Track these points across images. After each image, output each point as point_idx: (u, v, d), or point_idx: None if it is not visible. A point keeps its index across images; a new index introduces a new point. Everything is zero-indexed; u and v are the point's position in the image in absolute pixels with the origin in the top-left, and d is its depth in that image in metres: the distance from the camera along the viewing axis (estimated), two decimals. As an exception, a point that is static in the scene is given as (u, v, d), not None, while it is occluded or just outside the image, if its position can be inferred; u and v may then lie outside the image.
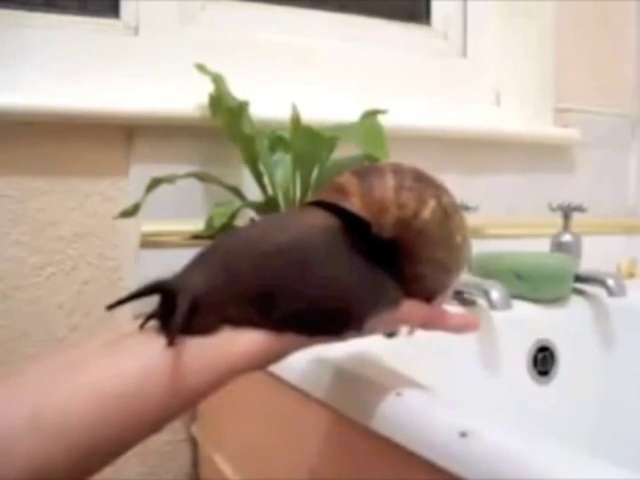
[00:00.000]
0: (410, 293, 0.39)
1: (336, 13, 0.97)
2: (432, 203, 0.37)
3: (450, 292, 0.41)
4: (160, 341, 0.31)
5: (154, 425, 0.32)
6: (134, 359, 0.31)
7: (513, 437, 0.34)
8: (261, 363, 0.34)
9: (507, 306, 0.69)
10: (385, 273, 0.37)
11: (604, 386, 0.77)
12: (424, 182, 0.38)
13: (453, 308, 0.42)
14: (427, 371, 0.45)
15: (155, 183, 0.69)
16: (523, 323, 0.75)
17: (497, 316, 0.72)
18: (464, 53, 1.05)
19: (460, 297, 0.74)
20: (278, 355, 0.35)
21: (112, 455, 0.31)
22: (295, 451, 0.53)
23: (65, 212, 0.75)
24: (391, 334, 0.42)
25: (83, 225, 0.76)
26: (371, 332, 0.39)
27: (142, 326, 0.33)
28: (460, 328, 0.41)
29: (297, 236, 0.35)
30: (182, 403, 0.32)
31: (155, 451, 0.78)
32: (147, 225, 0.77)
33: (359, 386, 0.44)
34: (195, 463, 0.80)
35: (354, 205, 0.37)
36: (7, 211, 0.72)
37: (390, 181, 0.37)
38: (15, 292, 0.73)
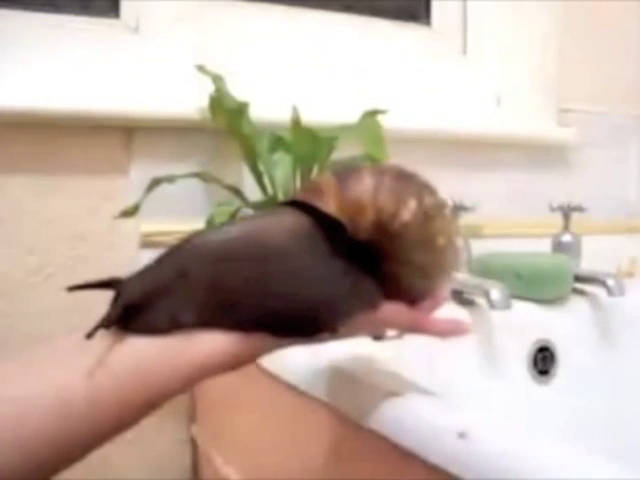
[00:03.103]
0: (392, 296, 0.37)
1: (336, 13, 0.97)
2: (412, 204, 0.36)
3: (441, 297, 0.40)
4: (118, 351, 0.32)
5: (118, 428, 0.32)
6: (91, 364, 0.31)
7: (513, 437, 0.34)
8: (227, 366, 0.34)
9: (507, 306, 0.69)
10: (361, 274, 0.36)
11: (604, 386, 0.77)
12: (405, 182, 0.37)
13: (451, 309, 0.42)
14: (427, 371, 0.45)
15: (155, 183, 0.69)
16: (523, 323, 0.75)
17: (497, 316, 0.72)
18: (464, 53, 1.05)
19: (460, 297, 0.74)
20: (246, 358, 0.34)
21: (74, 457, 0.31)
22: (295, 451, 0.53)
23: (65, 212, 0.75)
24: (378, 337, 0.41)
25: (83, 225, 0.76)
26: (350, 334, 0.38)
27: (97, 328, 0.33)
28: (447, 333, 0.40)
29: (263, 238, 0.34)
30: (140, 404, 0.32)
31: (155, 451, 0.78)
32: (147, 225, 0.77)
33: (359, 386, 0.44)
34: (195, 463, 0.80)
35: (329, 205, 0.36)
36: (7, 211, 0.72)
37: (368, 181, 0.36)
38: (15, 292, 0.73)
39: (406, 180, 0.37)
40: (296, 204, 0.37)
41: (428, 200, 0.37)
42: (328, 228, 0.36)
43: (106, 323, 0.32)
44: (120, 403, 0.31)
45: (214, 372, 0.34)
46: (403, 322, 0.39)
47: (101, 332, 0.33)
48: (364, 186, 0.36)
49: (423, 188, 0.38)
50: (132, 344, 0.32)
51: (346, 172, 0.37)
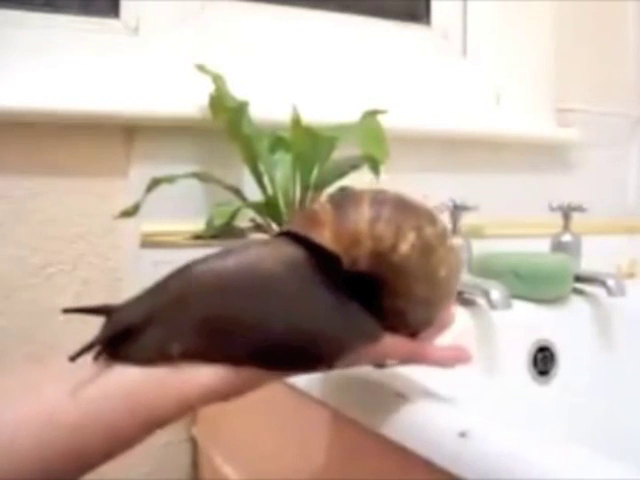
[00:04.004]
0: (392, 327, 0.37)
1: (336, 13, 0.97)
2: (411, 236, 0.35)
3: (444, 324, 0.40)
4: (110, 375, 0.32)
5: (110, 451, 0.32)
6: (83, 389, 0.31)
7: (513, 437, 0.34)
8: (218, 398, 0.34)
9: (507, 306, 0.69)
10: (360, 307, 0.36)
11: (604, 386, 0.77)
12: (405, 212, 0.36)
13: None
14: (427, 371, 0.45)
15: (155, 183, 0.69)
16: (523, 323, 0.75)
17: (497, 316, 0.72)
18: (464, 53, 1.05)
19: (460, 297, 0.74)
20: (237, 391, 0.34)
21: (68, 477, 0.31)
22: (295, 451, 0.54)
23: (65, 212, 0.75)
24: (379, 365, 0.41)
25: (83, 225, 0.76)
26: (349, 366, 0.38)
27: (84, 351, 0.32)
28: (448, 362, 0.39)
29: (258, 270, 0.34)
30: (129, 433, 0.32)
31: (156, 452, 0.78)
32: (147, 225, 0.77)
33: (359, 386, 0.44)
34: (195, 463, 0.80)
35: (324, 236, 0.35)
36: (7, 211, 0.72)
37: (366, 211, 0.35)
38: (15, 292, 0.73)
39: (406, 210, 0.36)
40: (293, 234, 0.36)
41: (428, 231, 0.36)
42: (324, 260, 0.35)
43: (91, 347, 0.32)
44: (109, 430, 0.31)
45: (204, 404, 0.34)
46: (403, 354, 0.38)
47: (92, 359, 0.33)
48: (361, 216, 0.35)
49: (424, 218, 0.37)
50: (124, 373, 0.32)
51: (344, 200, 0.37)
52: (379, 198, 0.36)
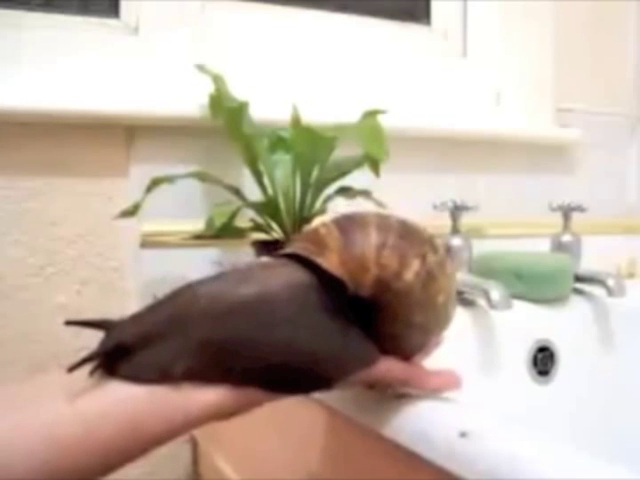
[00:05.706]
0: (387, 351, 0.37)
1: (336, 13, 0.97)
2: (415, 264, 0.36)
3: (431, 349, 0.40)
4: (109, 390, 0.32)
5: (108, 466, 0.32)
6: (84, 404, 0.31)
7: (513, 437, 0.34)
8: (217, 418, 0.34)
9: (507, 306, 0.69)
10: (359, 332, 0.36)
11: (604, 386, 0.77)
12: (410, 239, 0.37)
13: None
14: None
15: (155, 183, 0.69)
16: (523, 323, 0.75)
17: (497, 316, 0.72)
18: (464, 53, 1.05)
19: (460, 297, 0.74)
20: (237, 411, 0.34)
21: None
22: (295, 451, 0.53)
23: (65, 212, 0.75)
24: (371, 387, 0.41)
25: (83, 225, 0.76)
26: (345, 387, 0.38)
27: (81, 363, 0.32)
28: (440, 388, 0.40)
29: (261, 292, 0.34)
30: (130, 450, 0.32)
31: (156, 451, 0.78)
32: (147, 225, 0.77)
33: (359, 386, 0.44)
34: (195, 463, 0.80)
35: (331, 261, 0.35)
36: (7, 211, 0.72)
37: (373, 237, 0.36)
38: (15, 292, 0.73)
39: (411, 237, 0.37)
40: (298, 257, 0.36)
41: (431, 258, 0.37)
42: (328, 284, 0.35)
43: (89, 361, 0.32)
44: (109, 445, 0.31)
45: (205, 423, 0.34)
46: (396, 377, 0.39)
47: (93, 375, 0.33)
48: (368, 243, 0.36)
49: (426, 245, 0.37)
50: (124, 389, 0.32)
51: (350, 225, 0.37)
52: (385, 223, 0.37)
